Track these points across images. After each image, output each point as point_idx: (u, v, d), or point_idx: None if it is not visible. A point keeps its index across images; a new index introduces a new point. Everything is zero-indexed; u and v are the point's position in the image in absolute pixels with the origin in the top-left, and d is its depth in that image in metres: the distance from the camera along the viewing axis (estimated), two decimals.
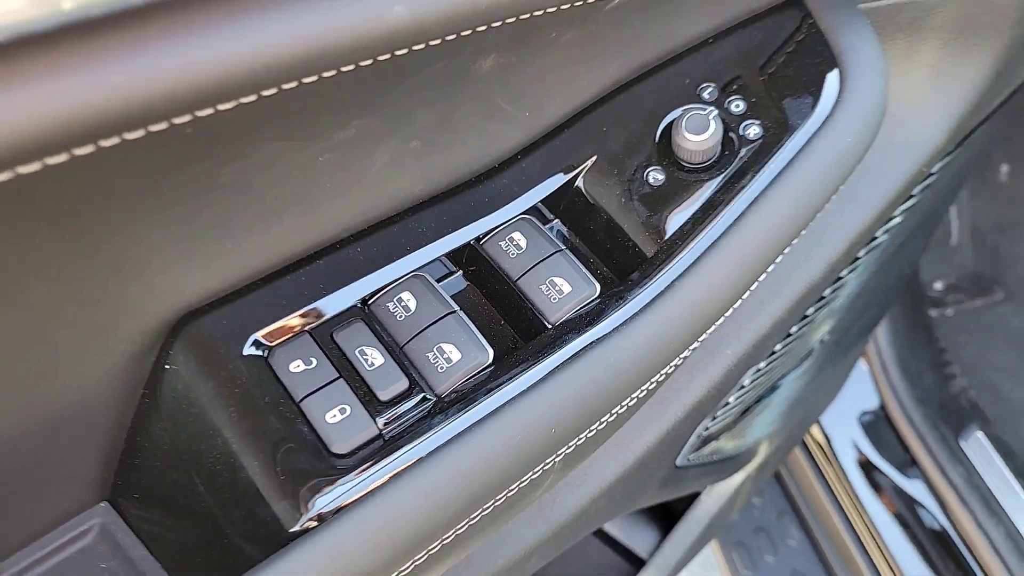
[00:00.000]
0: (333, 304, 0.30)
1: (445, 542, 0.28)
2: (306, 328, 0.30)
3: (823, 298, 0.48)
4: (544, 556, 0.43)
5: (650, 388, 0.31)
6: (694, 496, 0.70)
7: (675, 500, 0.74)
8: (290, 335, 0.29)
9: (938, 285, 1.16)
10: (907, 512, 0.94)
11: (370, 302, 0.30)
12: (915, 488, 0.94)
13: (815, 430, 0.99)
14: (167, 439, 0.29)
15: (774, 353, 0.47)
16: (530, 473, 0.28)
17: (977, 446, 0.93)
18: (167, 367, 0.29)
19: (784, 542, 1.07)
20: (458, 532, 0.28)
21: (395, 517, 0.26)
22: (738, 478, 0.67)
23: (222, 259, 0.28)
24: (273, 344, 0.29)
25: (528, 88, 0.31)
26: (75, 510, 0.32)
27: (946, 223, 1.18)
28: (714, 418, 0.49)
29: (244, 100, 0.22)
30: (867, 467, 0.96)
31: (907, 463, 0.95)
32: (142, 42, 0.20)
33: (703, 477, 0.59)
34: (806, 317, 0.48)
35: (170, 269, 0.27)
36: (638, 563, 0.67)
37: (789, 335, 0.47)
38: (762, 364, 0.47)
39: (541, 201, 0.33)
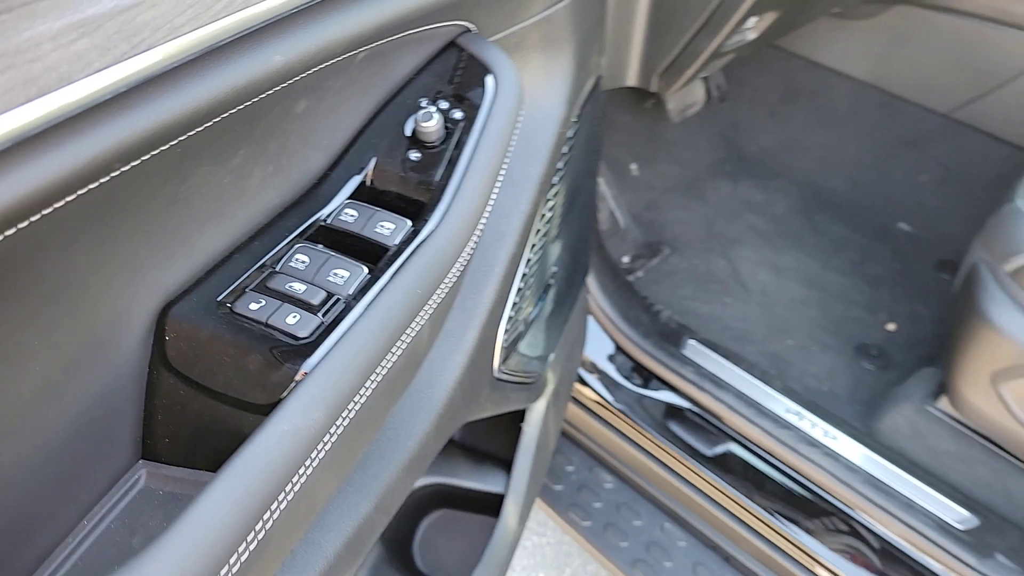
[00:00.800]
0: (259, 270, 0.47)
1: (380, 377, 0.45)
2: (248, 287, 0.46)
3: (539, 231, 0.72)
4: (425, 454, 0.60)
5: (459, 270, 0.51)
6: (517, 445, 0.90)
7: (505, 450, 0.93)
8: (241, 293, 0.45)
9: (625, 259, 1.51)
10: (665, 413, 1.22)
11: (279, 264, 0.47)
12: (664, 394, 1.23)
13: (583, 388, 1.25)
14: (176, 393, 0.43)
15: (525, 275, 0.71)
16: (416, 320, 0.47)
17: (693, 350, 1.26)
18: (166, 339, 0.43)
19: (603, 488, 1.30)
20: (386, 368, 0.45)
21: (352, 358, 0.42)
22: (542, 404, 0.89)
23: (181, 260, 0.44)
24: (233, 301, 0.45)
25: (324, 121, 0.51)
26: (123, 470, 0.43)
27: (614, 215, 1.55)
28: (506, 332, 0.70)
29: (192, 132, 0.38)
30: (626, 393, 1.24)
31: (651, 379, 1.24)
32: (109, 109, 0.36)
33: (517, 393, 0.79)
34: (534, 246, 0.71)
35: (149, 274, 0.42)
36: (499, 498, 0.85)
37: (529, 260, 0.71)
38: (520, 283, 0.70)
39: (353, 192, 0.53)
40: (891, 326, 1.39)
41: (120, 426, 0.43)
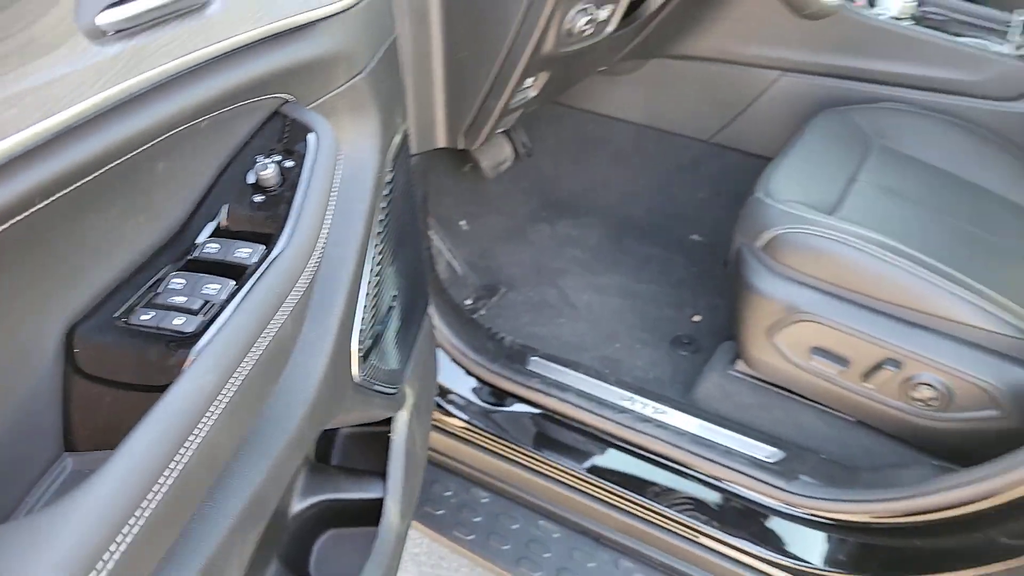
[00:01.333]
0: (145, 293, 0.59)
1: (257, 354, 0.57)
2: (137, 305, 0.58)
3: (374, 258, 0.88)
4: (304, 439, 0.72)
5: (308, 277, 0.66)
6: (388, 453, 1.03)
7: (380, 464, 1.05)
8: (131, 310, 0.57)
9: (468, 302, 1.69)
10: (521, 422, 1.38)
11: (161, 286, 0.60)
12: (518, 407, 1.39)
13: (448, 418, 1.39)
14: (90, 392, 0.53)
15: (368, 294, 0.85)
16: (280, 312, 0.60)
17: (537, 364, 1.43)
18: (76, 351, 0.54)
19: (480, 503, 1.43)
20: (260, 349, 0.58)
21: (230, 341, 0.55)
22: (404, 414, 1.02)
23: (80, 289, 0.55)
24: (127, 316, 0.56)
25: (182, 178, 0.65)
26: (51, 462, 0.53)
27: (451, 265, 1.73)
28: (359, 342, 0.84)
29: (79, 184, 0.51)
30: (485, 413, 1.39)
31: (505, 397, 1.40)
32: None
33: (381, 400, 0.93)
34: (372, 271, 0.87)
35: (55, 300, 0.53)
36: (379, 502, 0.97)
37: (369, 282, 0.86)
38: (364, 301, 0.84)
39: (212, 232, 0.66)
40: (696, 318, 1.64)
41: (44, 427, 0.54)
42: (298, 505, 0.99)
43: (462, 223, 1.87)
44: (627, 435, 1.31)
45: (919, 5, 1.66)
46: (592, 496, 1.32)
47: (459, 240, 1.81)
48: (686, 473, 1.27)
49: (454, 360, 1.43)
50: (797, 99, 1.65)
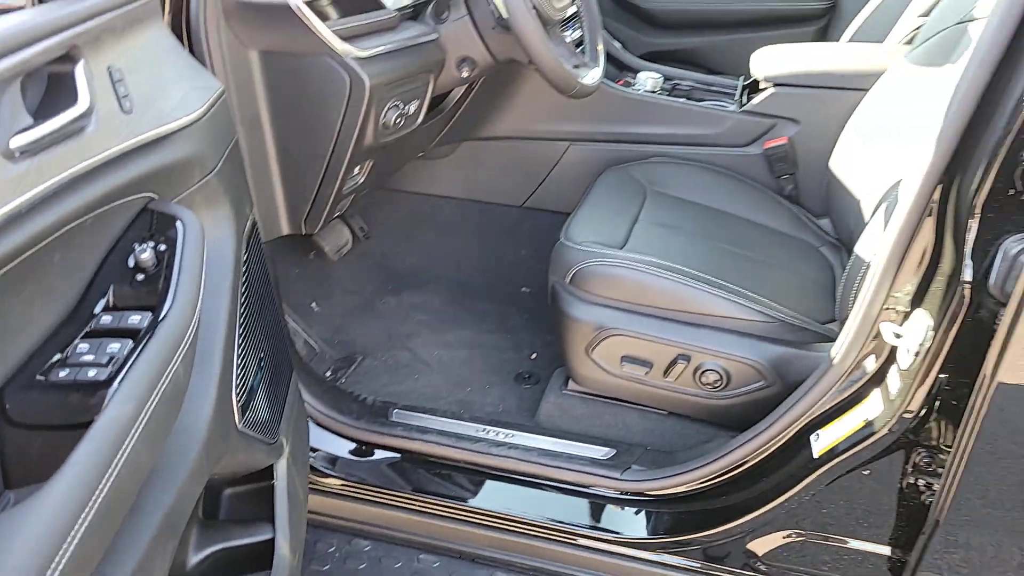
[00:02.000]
0: (59, 356, 0.73)
1: (160, 391, 0.72)
2: (54, 367, 0.71)
3: (241, 324, 1.03)
4: (200, 473, 0.86)
5: (191, 334, 0.81)
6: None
7: (266, 513, 1.18)
8: (50, 370, 0.70)
9: (328, 374, 1.83)
10: (392, 469, 1.54)
11: (68, 351, 0.74)
12: (386, 456, 1.55)
13: (324, 479, 1.52)
14: (22, 438, 0.66)
15: (240, 355, 1.01)
16: (172, 361, 0.75)
17: (399, 415, 1.60)
18: (6, 407, 0.67)
19: (363, 552, 1.56)
20: (162, 389, 0.73)
21: (137, 382, 0.70)
22: (283, 462, 1.16)
23: (5, 357, 0.68)
24: (47, 375, 0.70)
25: (75, 265, 0.79)
26: None
27: (309, 343, 1.88)
28: (237, 395, 0.99)
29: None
30: (358, 467, 1.54)
31: (375, 448, 1.55)
32: None
33: (262, 447, 1.07)
34: (241, 335, 1.03)
35: None
36: (270, 543, 1.09)
37: (240, 345, 1.01)
38: (237, 360, 1.00)
39: (103, 308, 0.81)
40: (533, 356, 1.88)
41: None
42: (194, 558, 1.10)
43: (313, 305, 2.03)
44: (485, 460, 1.50)
45: (667, 81, 2.06)
46: (462, 521, 1.49)
47: (313, 321, 1.97)
48: (539, 483, 1.47)
49: (322, 425, 1.57)
50: (586, 162, 1.97)
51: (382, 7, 1.44)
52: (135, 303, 0.82)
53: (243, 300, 1.07)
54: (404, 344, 1.94)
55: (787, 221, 1.78)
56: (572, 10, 1.60)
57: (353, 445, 1.57)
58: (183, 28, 1.25)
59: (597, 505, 1.45)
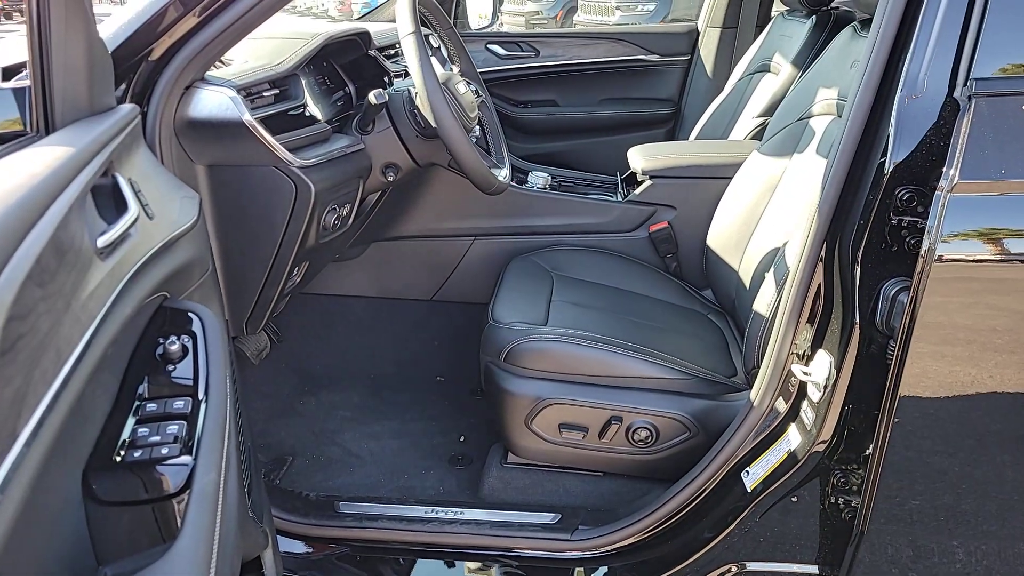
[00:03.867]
0: (124, 439, 0.76)
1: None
2: (123, 448, 0.74)
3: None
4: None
5: (229, 417, 0.86)
6: None
7: None
8: (123, 451, 0.73)
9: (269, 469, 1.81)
10: (346, 561, 1.55)
11: (131, 435, 0.77)
12: (339, 549, 1.56)
13: None
14: (109, 515, 0.69)
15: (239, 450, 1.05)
16: (224, 441, 0.80)
17: (345, 507, 1.62)
18: (92, 487, 0.69)
19: None
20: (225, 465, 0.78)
21: (209, 452, 0.75)
22: (270, 554, 1.17)
23: (85, 441, 0.71)
24: (123, 455, 0.73)
25: (117, 358, 0.83)
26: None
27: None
28: (242, 480, 1.02)
29: None
30: (313, 564, 1.54)
31: (328, 543, 1.56)
32: None
33: (259, 534, 1.09)
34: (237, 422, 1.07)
35: (74, 459, 0.69)
36: None
37: (238, 432, 1.05)
38: (239, 445, 1.04)
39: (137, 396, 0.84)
40: (462, 438, 1.96)
41: (80, 552, 0.68)
42: None
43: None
44: (438, 539, 1.55)
45: (554, 179, 2.30)
46: None
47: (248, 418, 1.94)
48: (495, 555, 1.54)
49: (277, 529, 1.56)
50: (491, 255, 2.14)
51: (316, 122, 1.56)
52: (170, 392, 0.86)
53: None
54: (332, 440, 1.96)
55: (676, 294, 2.02)
56: (478, 118, 1.79)
57: (302, 541, 1.57)
58: None
59: (554, 569, 1.53)
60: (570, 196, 2.16)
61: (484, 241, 2.15)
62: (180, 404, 0.84)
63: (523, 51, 2.94)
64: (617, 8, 8.32)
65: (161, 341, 0.91)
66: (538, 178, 2.22)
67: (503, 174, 1.76)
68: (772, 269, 1.55)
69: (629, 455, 1.62)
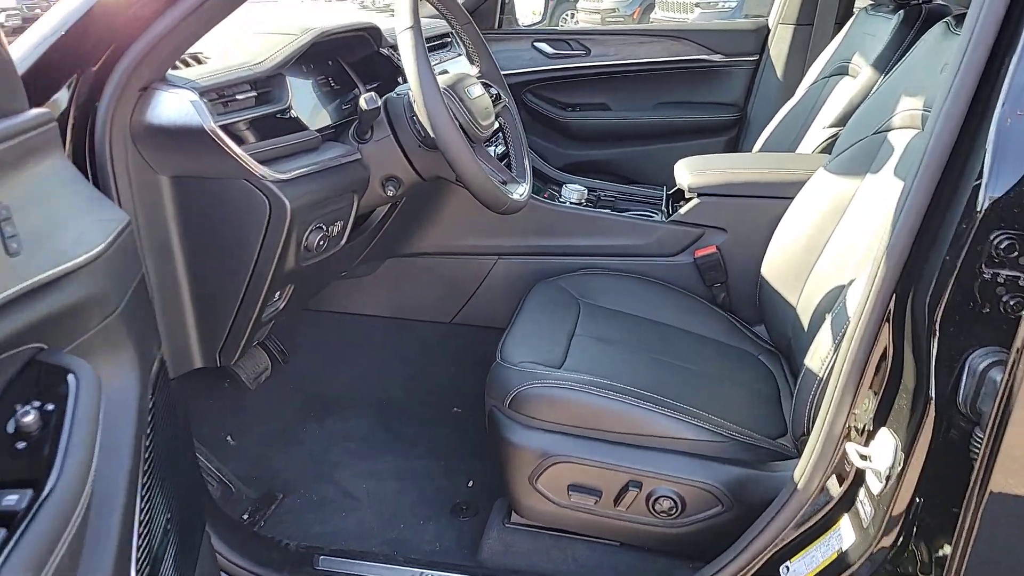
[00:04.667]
0: None
1: None
2: None
3: (145, 484, 0.89)
4: None
5: (81, 512, 0.67)
6: None
7: None
8: None
9: (245, 516, 1.65)
10: None
11: None
12: None
13: None
14: None
15: (143, 522, 0.86)
16: (55, 555, 0.61)
17: (326, 563, 1.44)
18: None
19: None
20: None
21: None
22: None
23: None
24: None
25: None
26: None
27: (224, 482, 1.70)
28: (139, 571, 0.84)
29: None
30: None
31: None
32: None
33: None
34: (144, 497, 0.88)
35: None
36: None
37: (141, 510, 0.87)
38: (140, 528, 0.85)
39: None
40: (471, 483, 1.75)
41: None
42: None
43: (228, 438, 1.86)
44: None
45: (591, 192, 2.06)
46: None
47: (229, 456, 1.79)
48: None
49: None
50: (515, 277, 1.92)
51: (303, 128, 1.37)
52: (14, 477, 0.68)
53: (148, 455, 0.93)
54: (330, 476, 1.78)
55: (723, 329, 1.76)
56: (495, 126, 1.58)
57: None
58: (86, 156, 1.15)
59: None
60: (605, 214, 1.92)
61: (508, 261, 1.93)
62: (12, 500, 0.65)
63: (572, 50, 2.70)
64: (696, 5, 7.96)
65: (16, 410, 0.73)
66: (572, 192, 1.98)
67: (520, 191, 1.53)
68: (831, 315, 1.28)
69: (648, 526, 1.38)
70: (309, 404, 2.00)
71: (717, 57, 2.67)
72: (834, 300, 1.40)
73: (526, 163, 1.65)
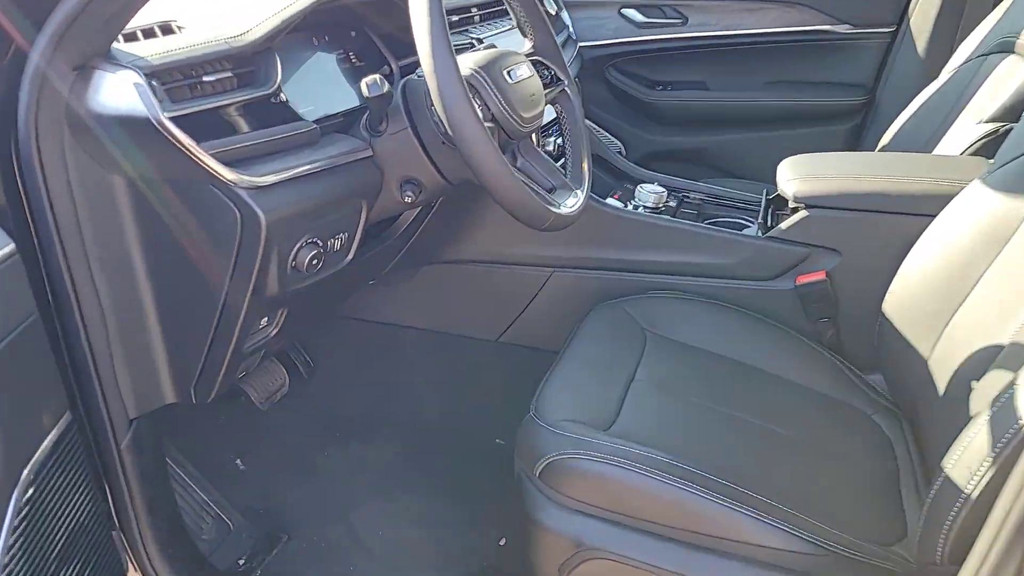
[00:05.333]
0: None
1: None
2: None
3: None
4: None
5: None
6: None
7: None
8: None
9: (242, 561, 1.44)
10: None
11: None
12: None
13: None
14: None
15: None
16: None
17: None
18: None
19: None
20: None
21: None
22: None
23: None
24: None
25: None
26: None
27: (223, 519, 1.49)
28: None
29: None
30: None
31: None
32: None
33: None
34: None
35: None
36: None
37: None
38: None
39: None
40: (502, 541, 1.47)
41: None
42: None
43: (238, 462, 1.65)
44: None
45: (672, 193, 1.71)
46: None
47: (235, 484, 1.59)
48: None
49: None
50: (573, 293, 1.61)
51: (295, 118, 1.10)
52: None
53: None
54: (343, 516, 1.54)
55: (827, 377, 1.40)
56: (550, 116, 1.26)
57: None
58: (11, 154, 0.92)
59: None
60: (686, 225, 1.57)
61: (565, 274, 1.62)
62: None
63: (667, 17, 2.32)
64: None
65: None
66: (649, 194, 1.64)
67: (571, 202, 1.22)
68: (989, 414, 0.91)
69: None
70: (331, 426, 1.77)
71: (843, 28, 2.22)
72: (987, 361, 1.04)
73: (585, 165, 1.32)
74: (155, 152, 0.95)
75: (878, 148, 2.00)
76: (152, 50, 0.98)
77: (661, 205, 1.64)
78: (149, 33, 1.05)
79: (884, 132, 2.02)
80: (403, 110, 1.15)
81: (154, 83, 0.93)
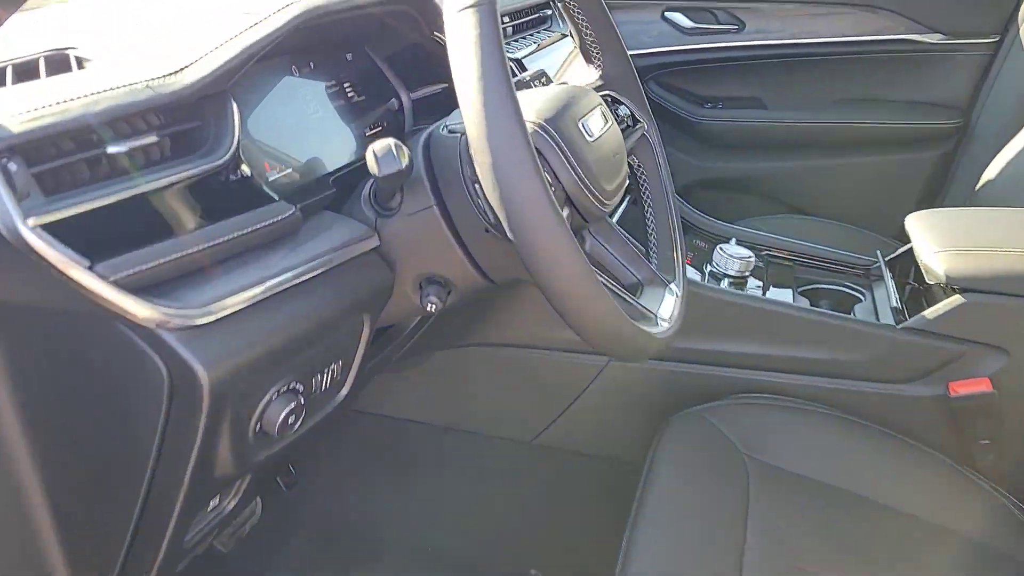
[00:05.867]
0: None
1: None
2: None
3: None
4: None
5: None
6: None
7: None
8: None
9: None
10: None
11: None
12: None
13: None
14: None
15: None
16: None
17: None
18: None
19: None
20: None
21: None
22: None
23: None
24: None
25: None
26: None
27: None
28: None
29: None
30: None
31: None
32: None
33: None
34: None
35: None
36: None
37: None
38: None
39: None
40: None
41: None
42: None
43: None
44: None
45: (760, 254, 1.34)
46: None
47: None
48: None
49: None
50: (635, 387, 1.25)
51: (266, 199, 0.72)
52: None
53: None
54: None
55: (993, 522, 1.03)
56: (626, 183, 0.88)
57: None
58: None
59: None
60: (788, 305, 1.19)
61: (624, 365, 1.25)
62: None
63: (720, 23, 1.94)
64: None
65: None
66: (732, 261, 1.26)
67: (668, 312, 0.84)
68: None
69: None
70: (324, 548, 1.40)
71: (934, 37, 1.85)
72: None
73: (678, 250, 0.94)
74: (17, 276, 0.58)
75: (979, 185, 1.64)
76: (21, 105, 0.59)
77: (746, 274, 1.27)
78: (26, 72, 0.66)
79: (982, 163, 1.66)
80: (426, 179, 0.77)
81: (11, 165, 0.55)
